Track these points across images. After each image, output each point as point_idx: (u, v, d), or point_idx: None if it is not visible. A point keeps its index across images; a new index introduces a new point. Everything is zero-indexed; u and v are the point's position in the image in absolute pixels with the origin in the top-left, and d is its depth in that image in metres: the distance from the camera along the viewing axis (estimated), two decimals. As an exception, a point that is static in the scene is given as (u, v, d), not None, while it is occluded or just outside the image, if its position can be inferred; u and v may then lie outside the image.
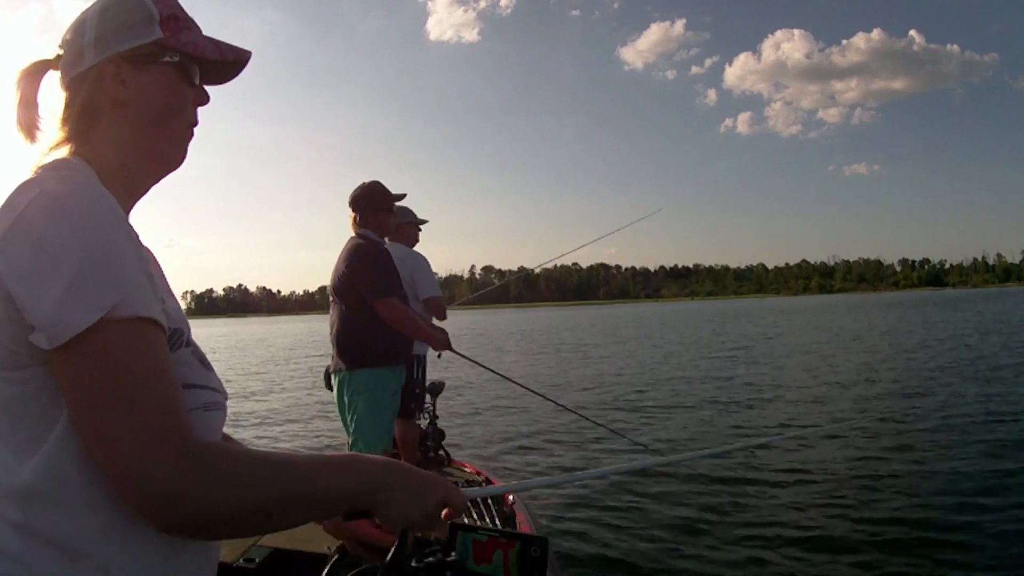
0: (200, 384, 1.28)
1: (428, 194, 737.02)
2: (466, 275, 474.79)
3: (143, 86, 1.33)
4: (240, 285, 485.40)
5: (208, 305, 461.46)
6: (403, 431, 6.09)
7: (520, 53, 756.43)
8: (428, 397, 7.28)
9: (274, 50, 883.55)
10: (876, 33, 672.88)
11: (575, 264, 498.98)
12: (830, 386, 16.66)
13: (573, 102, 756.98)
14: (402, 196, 5.80)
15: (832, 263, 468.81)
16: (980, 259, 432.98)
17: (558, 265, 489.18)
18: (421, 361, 6.45)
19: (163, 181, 1.40)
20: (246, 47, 1.44)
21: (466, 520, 4.75)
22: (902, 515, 7.18)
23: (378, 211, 5.51)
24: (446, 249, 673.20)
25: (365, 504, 1.29)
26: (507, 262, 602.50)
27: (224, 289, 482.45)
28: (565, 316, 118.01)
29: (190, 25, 1.40)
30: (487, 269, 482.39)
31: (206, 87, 1.44)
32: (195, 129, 1.40)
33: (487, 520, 5.09)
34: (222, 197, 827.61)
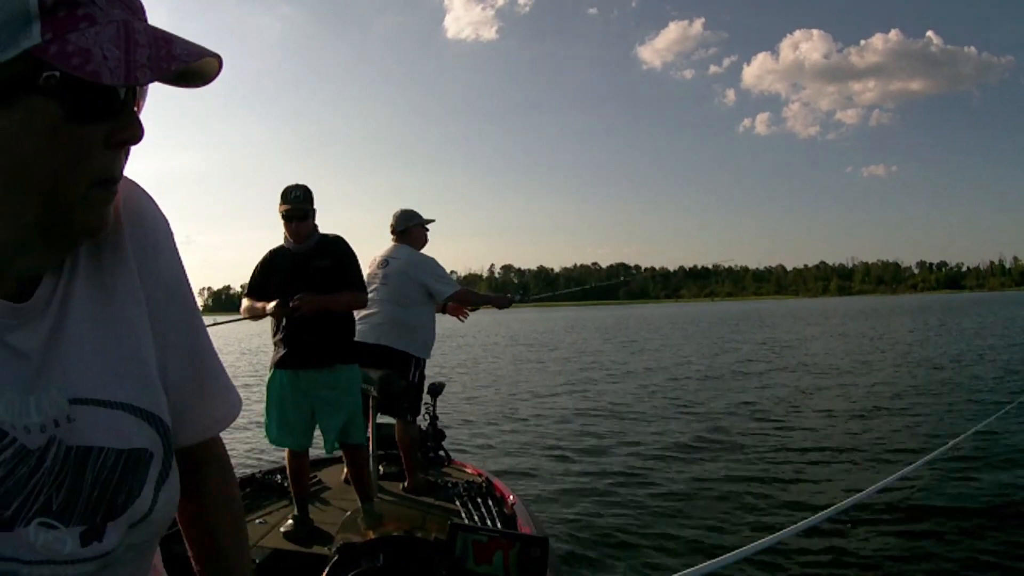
0: None
1: (444, 192, 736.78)
2: (485, 273, 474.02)
3: (11, 132, 0.84)
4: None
5: (226, 302, 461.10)
6: (403, 432, 6.30)
7: (538, 51, 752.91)
8: (428, 398, 7.36)
9: (291, 47, 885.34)
10: (894, 34, 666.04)
11: (595, 264, 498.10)
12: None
13: (591, 101, 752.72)
14: (301, 205, 5.44)
15: (851, 265, 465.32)
16: (997, 262, 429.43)
17: (578, 264, 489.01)
18: (419, 364, 6.57)
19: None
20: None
21: (466, 521, 5.08)
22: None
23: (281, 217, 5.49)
24: (464, 247, 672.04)
25: None
26: (526, 261, 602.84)
27: (242, 286, 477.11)
28: (586, 316, 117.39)
29: (104, 9, 0.86)
30: (506, 268, 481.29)
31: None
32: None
33: (487, 521, 5.21)
34: (239, 193, 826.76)
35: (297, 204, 5.39)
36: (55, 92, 0.84)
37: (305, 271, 5.40)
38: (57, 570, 0.95)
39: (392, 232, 6.91)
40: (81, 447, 0.98)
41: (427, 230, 7.01)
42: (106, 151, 0.91)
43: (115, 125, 0.91)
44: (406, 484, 6.23)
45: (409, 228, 6.84)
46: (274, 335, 5.51)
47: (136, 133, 0.93)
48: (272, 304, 5.28)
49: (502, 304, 7.51)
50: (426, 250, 6.93)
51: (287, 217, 5.42)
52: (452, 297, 6.72)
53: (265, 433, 5.54)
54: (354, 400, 5.55)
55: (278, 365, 5.44)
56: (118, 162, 0.94)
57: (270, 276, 5.47)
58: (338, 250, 5.62)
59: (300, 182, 5.46)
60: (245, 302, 5.56)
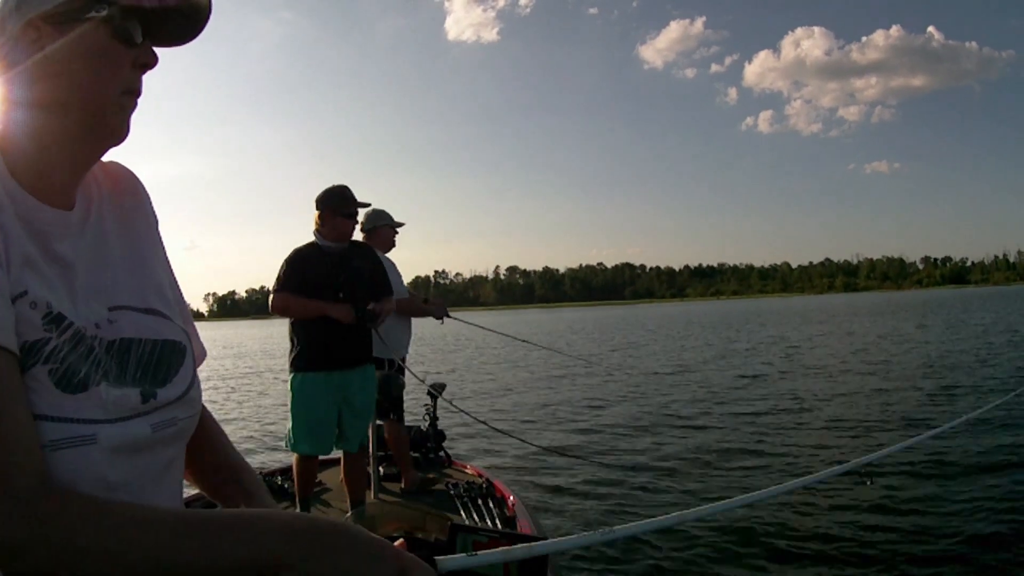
0: (48, 415, 1.04)
1: (450, 195, 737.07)
2: (490, 275, 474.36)
3: (66, 50, 1.13)
4: (263, 287, 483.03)
5: (230, 307, 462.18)
6: (392, 432, 6.41)
7: (539, 52, 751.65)
8: (428, 399, 7.47)
9: (291, 51, 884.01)
10: (895, 30, 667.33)
11: (600, 264, 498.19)
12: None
13: (593, 101, 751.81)
14: (366, 204, 5.86)
15: (856, 261, 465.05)
16: (1001, 256, 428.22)
17: (583, 264, 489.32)
18: (394, 364, 6.52)
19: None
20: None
21: (467, 521, 5.14)
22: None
23: (336, 214, 5.50)
24: (469, 249, 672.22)
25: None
26: (531, 262, 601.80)
27: (247, 291, 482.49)
28: (595, 316, 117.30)
29: None
30: (511, 269, 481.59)
31: (164, 48, 1.27)
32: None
33: (488, 521, 5.26)
34: (242, 199, 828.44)
35: (357, 202, 5.58)
36: (104, 20, 1.14)
37: (348, 269, 5.49)
38: (126, 427, 1.13)
39: (361, 230, 6.85)
40: (124, 339, 1.19)
41: (396, 232, 6.99)
42: (132, 70, 1.19)
43: (139, 52, 1.19)
44: (403, 483, 6.30)
45: (377, 228, 6.81)
46: (303, 336, 5.44)
47: (153, 59, 1.22)
48: (344, 308, 5.32)
49: (439, 315, 7.33)
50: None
51: (353, 215, 5.56)
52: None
53: (291, 441, 5.44)
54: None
55: (309, 367, 5.39)
56: (139, 81, 1.21)
57: (310, 272, 5.44)
58: (372, 254, 5.84)
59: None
60: (285, 297, 5.43)
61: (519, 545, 1.28)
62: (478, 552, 1.22)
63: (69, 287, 1.14)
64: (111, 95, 1.17)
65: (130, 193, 1.36)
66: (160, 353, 1.24)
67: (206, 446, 1.47)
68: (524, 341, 9.57)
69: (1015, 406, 11.00)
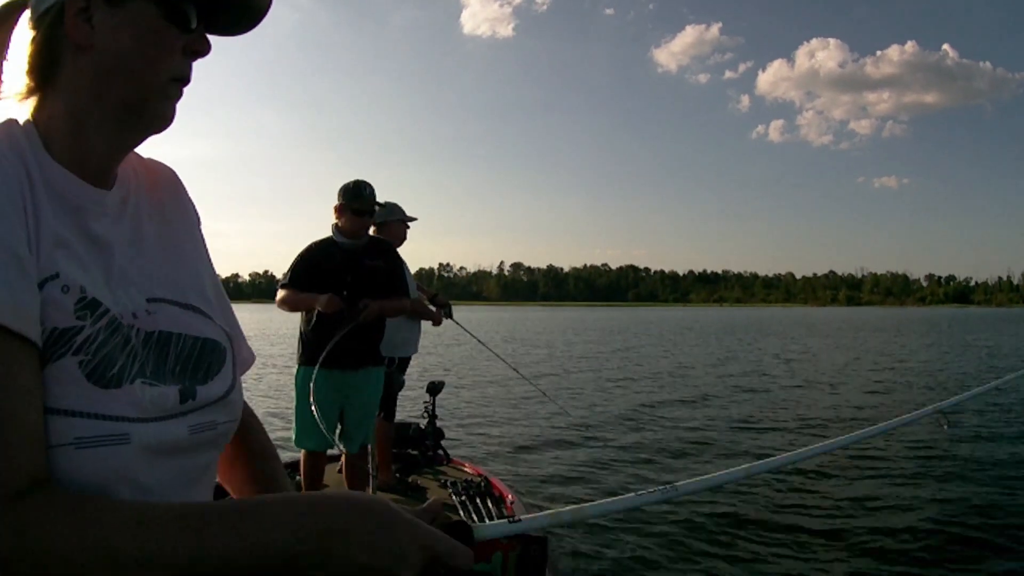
0: (76, 410, 0.95)
1: (456, 189, 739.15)
2: (495, 271, 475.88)
3: (114, 26, 1.05)
4: (266, 271, 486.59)
5: (233, 290, 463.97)
6: (381, 429, 6.29)
7: (554, 50, 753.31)
8: (427, 396, 7.42)
9: (306, 37, 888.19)
10: (910, 46, 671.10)
11: (604, 265, 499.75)
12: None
13: (605, 102, 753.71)
14: (382, 204, 5.83)
15: (860, 275, 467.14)
16: (1005, 278, 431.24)
17: (588, 264, 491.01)
18: (393, 362, 6.45)
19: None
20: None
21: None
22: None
23: (346, 209, 5.42)
24: (475, 244, 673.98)
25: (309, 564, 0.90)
26: (536, 259, 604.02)
27: (250, 275, 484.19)
28: (596, 318, 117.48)
29: None
30: (516, 266, 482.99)
31: (213, 36, 1.17)
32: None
33: (486, 520, 5.22)
34: (248, 184, 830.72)
35: (372, 200, 5.44)
36: (160, 0, 1.07)
37: (360, 268, 5.40)
38: (162, 428, 1.05)
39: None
40: (163, 332, 1.12)
41: (407, 227, 6.84)
42: (183, 57, 1.11)
43: (191, 38, 1.12)
44: (377, 480, 6.15)
45: (388, 222, 6.62)
46: (307, 329, 5.42)
47: (206, 46, 1.14)
48: (326, 297, 5.20)
49: (437, 321, 7.19)
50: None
51: (362, 212, 5.41)
52: None
53: (294, 435, 5.46)
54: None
55: (310, 363, 5.29)
56: (189, 68, 1.13)
57: (319, 268, 5.40)
58: (390, 253, 5.74)
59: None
60: (285, 293, 5.43)
61: (567, 508, 1.29)
62: (521, 518, 1.19)
63: (105, 270, 1.08)
64: (158, 79, 1.10)
65: (170, 189, 1.29)
66: (201, 351, 1.17)
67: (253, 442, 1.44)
68: (514, 369, 10.18)
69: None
